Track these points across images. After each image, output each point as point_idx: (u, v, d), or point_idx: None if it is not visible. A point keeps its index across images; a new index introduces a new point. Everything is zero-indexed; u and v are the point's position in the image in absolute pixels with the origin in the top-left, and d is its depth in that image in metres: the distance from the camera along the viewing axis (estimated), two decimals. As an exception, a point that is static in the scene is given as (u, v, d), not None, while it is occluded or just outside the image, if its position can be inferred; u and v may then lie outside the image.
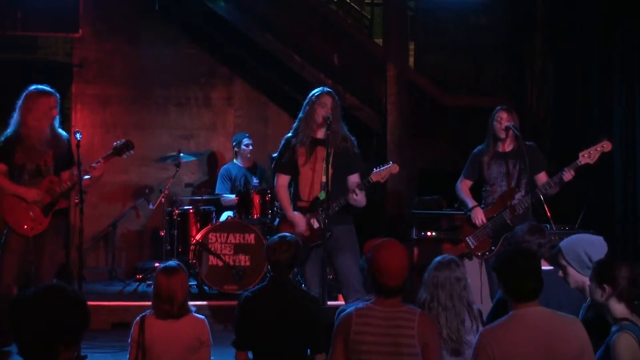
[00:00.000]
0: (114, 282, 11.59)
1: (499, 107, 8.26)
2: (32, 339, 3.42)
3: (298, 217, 7.80)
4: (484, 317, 5.90)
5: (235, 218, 10.44)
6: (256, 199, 10.35)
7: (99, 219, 12.07)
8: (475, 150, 8.43)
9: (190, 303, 5.92)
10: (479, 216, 8.17)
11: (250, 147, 11.32)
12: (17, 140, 7.78)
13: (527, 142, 8.15)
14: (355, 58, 11.81)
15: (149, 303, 5.87)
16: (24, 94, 7.90)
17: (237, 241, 10.15)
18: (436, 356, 4.88)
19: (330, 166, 7.71)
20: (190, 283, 8.21)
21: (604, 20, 10.30)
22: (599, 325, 4.85)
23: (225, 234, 10.16)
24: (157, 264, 9.92)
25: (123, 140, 8.08)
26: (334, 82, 11.25)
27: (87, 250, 11.84)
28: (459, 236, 8.46)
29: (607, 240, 5.50)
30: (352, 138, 7.99)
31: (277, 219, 8.51)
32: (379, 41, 12.31)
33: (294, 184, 7.98)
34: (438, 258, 5.80)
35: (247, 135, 11.48)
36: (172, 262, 6.05)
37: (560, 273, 5.40)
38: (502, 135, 8.14)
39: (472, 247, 8.20)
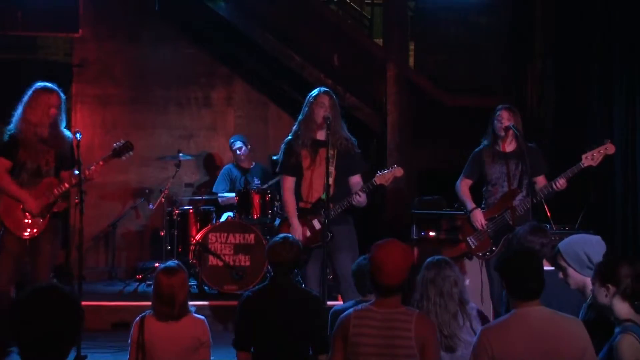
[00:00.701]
0: (114, 282, 11.60)
1: (500, 106, 8.24)
2: (31, 339, 3.43)
3: (298, 227, 7.80)
4: (490, 318, 5.89)
5: (235, 218, 10.43)
6: (256, 199, 10.35)
7: (99, 219, 12.07)
8: (476, 150, 8.41)
9: (190, 303, 5.91)
10: (478, 219, 8.15)
11: (243, 151, 11.27)
12: (19, 137, 7.77)
13: (529, 144, 8.14)
14: (356, 58, 11.81)
15: (149, 303, 5.86)
16: (30, 89, 7.91)
17: (237, 241, 10.15)
18: (434, 357, 4.87)
19: (333, 168, 7.72)
20: (190, 283, 8.20)
21: (604, 19, 10.29)
22: (599, 325, 4.85)
23: (225, 234, 10.16)
24: (157, 264, 9.93)
25: (122, 142, 8.07)
26: (334, 82, 11.24)
27: (87, 250, 11.84)
28: (459, 236, 8.44)
29: (607, 241, 5.50)
30: (353, 139, 8.00)
31: (278, 219, 8.52)
32: (379, 41, 12.32)
33: (296, 185, 7.98)
34: (429, 259, 5.80)
35: (239, 138, 11.44)
36: (172, 263, 6.03)
37: (560, 274, 5.40)
38: (502, 134, 8.12)
39: (473, 247, 8.19)
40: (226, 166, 11.56)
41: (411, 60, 12.50)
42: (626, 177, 9.71)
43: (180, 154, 11.16)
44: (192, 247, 10.34)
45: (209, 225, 10.43)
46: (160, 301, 5.71)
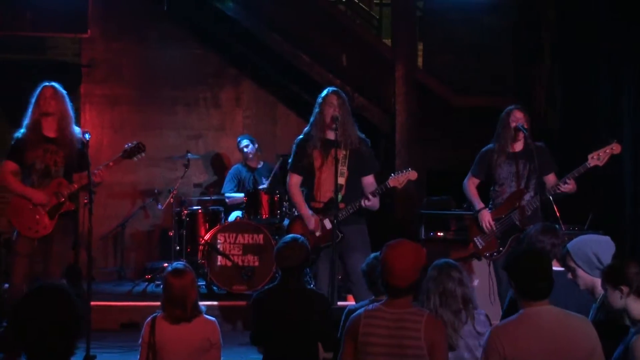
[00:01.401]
0: (122, 282, 11.62)
1: (509, 107, 8.22)
2: (32, 338, 3.45)
3: (311, 217, 7.82)
4: (492, 320, 5.87)
5: (244, 218, 10.44)
6: (265, 199, 10.35)
7: (108, 219, 12.09)
8: (483, 149, 8.40)
9: (200, 303, 5.92)
10: (485, 219, 8.13)
11: (250, 149, 11.30)
12: (26, 139, 7.80)
13: (537, 143, 8.12)
14: (364, 58, 11.80)
15: (158, 303, 5.86)
16: (35, 91, 7.94)
17: (246, 241, 10.15)
18: (443, 358, 4.86)
19: (345, 168, 7.75)
20: (199, 283, 8.21)
21: (612, 20, 10.28)
22: (609, 327, 4.84)
23: (234, 234, 10.17)
24: (165, 264, 9.94)
25: (134, 143, 8.08)
26: (343, 82, 11.23)
27: (96, 250, 11.85)
28: (467, 236, 8.43)
29: (616, 241, 5.49)
30: (367, 140, 8.02)
31: (287, 219, 8.53)
32: (388, 41, 12.31)
33: (307, 184, 8.01)
34: (435, 262, 5.79)
35: (247, 136, 11.48)
36: (179, 264, 6.02)
37: (570, 275, 5.39)
38: (511, 135, 8.11)
39: (480, 247, 8.18)
40: (234, 166, 11.58)
41: (420, 61, 12.49)
42: (636, 178, 9.70)
43: (189, 154, 11.19)
44: (200, 247, 10.35)
45: (218, 226, 10.44)
46: (172, 304, 5.71)
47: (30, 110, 7.90)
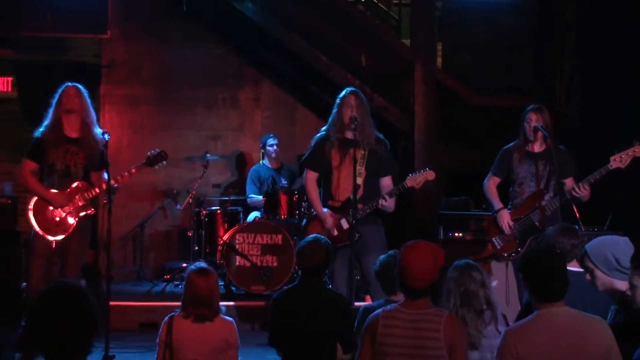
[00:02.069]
0: (141, 282, 11.64)
1: (529, 108, 8.20)
2: (48, 338, 3.45)
3: (327, 215, 7.83)
4: (509, 320, 5.85)
5: (263, 219, 10.45)
6: (284, 200, 10.36)
7: (127, 220, 12.12)
8: (504, 147, 8.38)
9: (220, 303, 5.93)
10: (504, 219, 8.12)
11: (275, 148, 11.35)
12: (46, 139, 7.82)
13: (559, 147, 8.10)
14: (383, 58, 11.78)
15: (177, 303, 5.88)
16: (57, 92, 7.97)
17: (265, 242, 10.16)
18: (463, 358, 4.85)
19: (363, 168, 7.75)
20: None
21: (633, 19, 10.23)
22: (629, 328, 4.81)
23: (253, 235, 10.17)
24: (184, 265, 9.97)
25: (157, 151, 8.11)
26: (362, 83, 11.23)
27: (115, 250, 11.87)
28: (486, 237, 8.40)
29: (635, 242, 5.45)
30: (386, 142, 8.02)
31: (305, 219, 8.52)
32: (407, 41, 12.29)
33: (325, 183, 8.01)
34: (455, 262, 5.76)
35: (272, 135, 11.51)
36: (202, 264, 6.05)
37: (588, 276, 5.35)
38: (531, 136, 8.10)
39: (498, 248, 8.16)
40: (253, 168, 11.59)
41: (439, 61, 12.47)
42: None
43: (208, 155, 11.20)
44: (219, 248, 10.36)
45: (237, 226, 10.45)
46: (198, 303, 5.72)
47: (52, 109, 7.92)
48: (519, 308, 7.75)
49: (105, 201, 7.72)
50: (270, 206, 10.42)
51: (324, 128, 8.11)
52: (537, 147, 8.14)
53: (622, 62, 10.48)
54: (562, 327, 4.53)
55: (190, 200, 11.00)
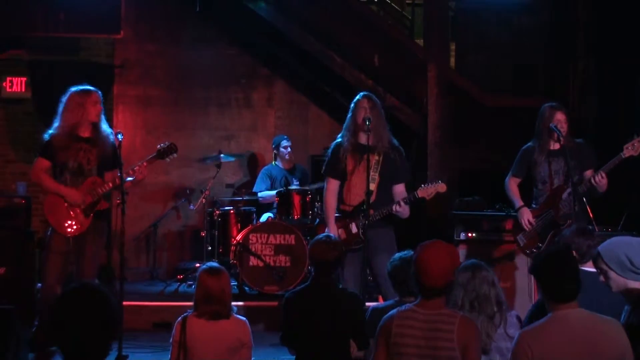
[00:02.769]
0: (154, 283, 11.66)
1: (550, 104, 8.18)
2: (70, 338, 3.45)
3: (334, 230, 7.82)
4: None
5: (276, 219, 10.45)
6: (296, 200, 10.36)
7: (140, 220, 12.14)
8: (524, 147, 8.37)
9: (233, 303, 5.94)
10: (525, 217, 8.13)
11: (289, 150, 11.33)
12: (59, 140, 7.83)
13: (577, 140, 8.10)
14: (396, 59, 11.76)
15: (190, 303, 5.88)
16: (65, 95, 7.96)
17: (278, 242, 10.16)
18: (476, 360, 4.84)
19: (377, 174, 7.76)
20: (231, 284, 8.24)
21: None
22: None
23: (266, 235, 10.18)
24: (197, 265, 9.96)
25: (167, 143, 8.12)
26: (375, 83, 11.23)
27: (129, 250, 11.91)
28: (512, 235, 8.43)
29: (650, 243, 5.43)
30: (401, 149, 8.02)
31: (317, 219, 8.53)
32: (420, 42, 12.28)
33: (339, 188, 8.01)
34: (463, 263, 5.75)
35: (285, 137, 11.49)
36: (214, 263, 6.07)
37: (602, 277, 5.33)
38: (549, 132, 8.08)
39: (522, 245, 8.19)
40: (266, 166, 11.59)
41: (452, 61, 12.46)
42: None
43: (221, 155, 11.20)
44: (232, 248, 10.37)
45: (250, 226, 10.45)
46: (209, 301, 5.73)
47: (62, 111, 7.92)
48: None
49: (118, 201, 7.75)
50: (283, 206, 10.42)
51: (339, 134, 8.12)
52: (556, 145, 8.12)
53: (637, 62, 10.44)
54: (576, 329, 4.51)
55: (204, 201, 10.99)
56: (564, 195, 7.97)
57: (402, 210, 7.70)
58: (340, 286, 7.67)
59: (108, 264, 9.46)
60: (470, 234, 9.50)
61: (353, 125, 7.91)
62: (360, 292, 7.29)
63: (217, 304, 5.72)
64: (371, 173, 7.70)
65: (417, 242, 5.07)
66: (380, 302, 7.76)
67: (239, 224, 10.76)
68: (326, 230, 7.79)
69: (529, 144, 8.31)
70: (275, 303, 9.27)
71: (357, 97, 8.02)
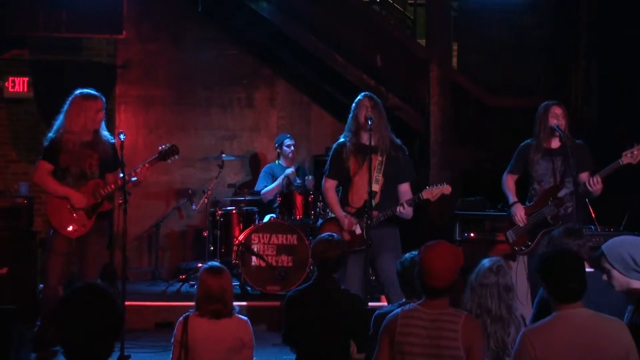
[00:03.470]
0: (157, 282, 11.66)
1: (549, 102, 8.17)
2: (74, 338, 3.45)
3: (346, 217, 7.81)
4: (527, 320, 5.84)
5: (278, 219, 10.45)
6: (299, 200, 10.37)
7: (143, 220, 12.13)
8: (522, 144, 8.36)
9: (234, 303, 5.94)
10: (518, 213, 8.11)
11: (292, 148, 11.33)
12: (61, 143, 7.83)
13: (577, 141, 8.09)
14: (398, 58, 11.76)
15: (192, 303, 5.88)
16: (70, 98, 7.96)
17: (280, 242, 10.17)
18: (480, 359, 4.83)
19: (380, 175, 7.74)
20: (233, 283, 8.24)
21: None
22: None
23: (268, 235, 10.18)
24: (200, 265, 9.96)
25: (169, 145, 8.12)
26: (377, 83, 11.24)
27: (131, 250, 11.90)
28: (502, 231, 8.40)
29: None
30: (405, 148, 8.01)
31: (320, 220, 8.52)
32: (422, 41, 12.28)
33: (343, 189, 8.00)
34: (486, 263, 5.71)
35: (289, 136, 11.48)
36: (215, 263, 6.09)
37: (605, 277, 5.33)
38: (548, 131, 8.06)
39: (511, 241, 8.16)
40: (268, 165, 11.58)
41: (454, 61, 12.47)
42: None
43: (223, 155, 11.20)
44: (235, 248, 10.37)
45: (252, 226, 10.45)
46: (210, 299, 5.73)
47: (64, 116, 7.91)
48: (529, 306, 7.74)
49: (121, 201, 7.75)
50: (285, 206, 10.43)
51: (341, 135, 8.11)
52: (554, 144, 8.11)
53: (638, 62, 10.44)
54: (580, 328, 4.51)
55: (206, 201, 11.01)
56: (560, 195, 7.95)
57: (406, 212, 7.69)
58: (343, 287, 7.67)
59: (110, 264, 9.45)
60: (472, 234, 9.50)
61: (355, 125, 7.89)
62: (362, 291, 7.28)
63: (219, 303, 5.72)
64: (375, 174, 7.69)
65: (419, 242, 5.08)
66: (384, 303, 7.77)
67: (241, 224, 10.77)
68: (335, 226, 7.78)
69: (527, 141, 8.29)
70: (277, 303, 9.26)
71: (359, 97, 8.00)
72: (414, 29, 13.51)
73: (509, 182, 8.35)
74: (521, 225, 8.09)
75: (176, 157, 8.16)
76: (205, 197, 11.01)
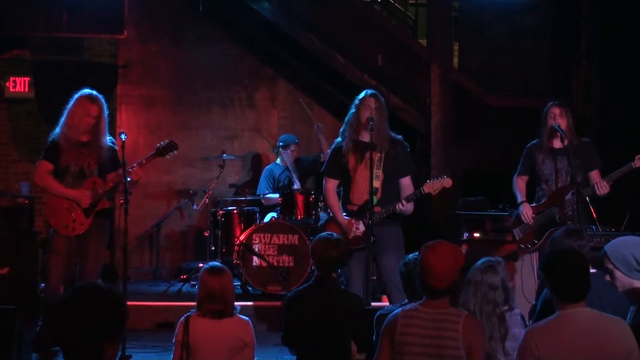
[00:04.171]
0: (158, 282, 11.67)
1: (551, 103, 8.20)
2: (73, 338, 3.44)
3: (348, 222, 7.80)
4: (527, 320, 5.84)
5: (279, 219, 10.45)
6: (300, 200, 10.36)
7: (144, 220, 12.14)
8: (528, 145, 8.37)
9: (235, 303, 5.94)
10: (525, 211, 8.13)
11: (295, 155, 11.27)
12: (60, 142, 7.84)
13: (583, 139, 8.10)
14: (399, 59, 11.77)
15: (193, 303, 5.88)
16: (74, 96, 7.96)
17: (281, 242, 10.16)
18: (481, 359, 4.83)
19: (380, 171, 7.73)
20: (234, 283, 8.24)
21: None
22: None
23: (269, 235, 10.18)
24: (201, 265, 9.96)
25: (167, 141, 8.12)
26: (378, 83, 11.23)
27: (132, 250, 11.90)
28: (509, 229, 8.43)
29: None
30: (405, 143, 8.00)
31: (321, 220, 8.51)
32: (423, 42, 12.28)
33: (344, 187, 7.99)
34: (478, 262, 5.73)
35: (296, 140, 11.38)
36: (216, 263, 6.09)
37: (608, 277, 5.33)
38: (550, 131, 8.08)
39: (518, 239, 8.19)
40: (267, 167, 11.54)
41: (455, 61, 12.46)
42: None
43: (224, 155, 11.21)
44: (236, 248, 10.36)
45: (253, 226, 10.45)
46: (211, 299, 5.73)
47: (66, 113, 7.93)
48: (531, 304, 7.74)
49: (121, 201, 7.75)
50: (286, 207, 10.42)
51: (340, 129, 8.08)
52: (558, 143, 8.11)
53: (639, 61, 10.44)
54: (583, 328, 4.51)
55: (207, 200, 11.01)
56: (568, 196, 7.96)
57: (405, 208, 7.67)
58: (344, 286, 7.67)
59: (111, 263, 9.46)
60: (473, 234, 9.50)
61: (356, 122, 7.85)
62: (364, 291, 7.27)
63: (220, 303, 5.72)
64: (375, 170, 7.67)
65: (420, 242, 5.07)
66: (385, 303, 7.76)
67: (242, 224, 10.77)
68: (336, 227, 7.78)
69: (533, 141, 8.31)
70: (278, 303, 9.26)
71: (363, 94, 7.94)
72: (415, 29, 13.51)
73: (519, 184, 8.38)
74: (529, 223, 8.11)
75: (175, 152, 8.14)
76: (207, 197, 11.01)
